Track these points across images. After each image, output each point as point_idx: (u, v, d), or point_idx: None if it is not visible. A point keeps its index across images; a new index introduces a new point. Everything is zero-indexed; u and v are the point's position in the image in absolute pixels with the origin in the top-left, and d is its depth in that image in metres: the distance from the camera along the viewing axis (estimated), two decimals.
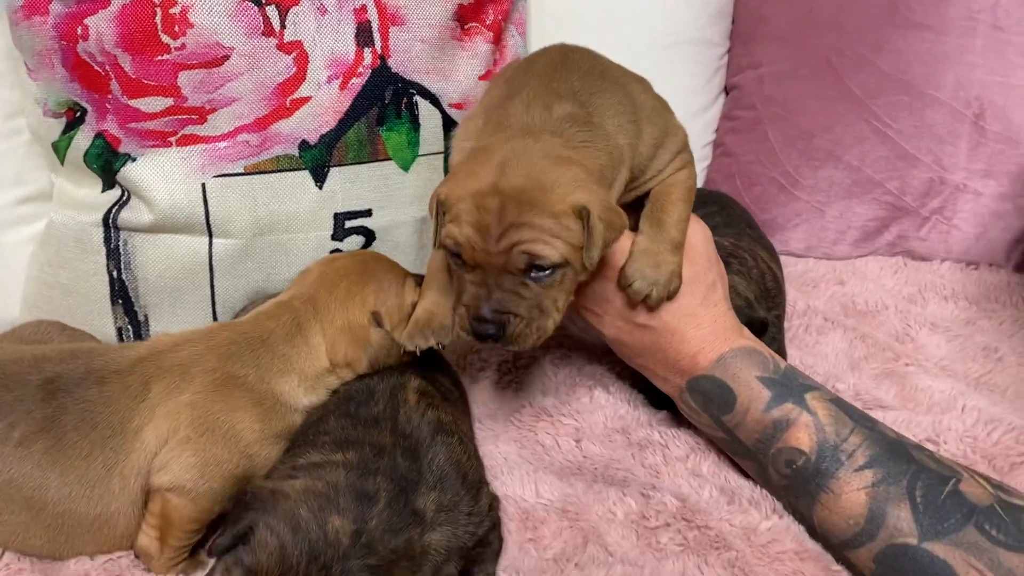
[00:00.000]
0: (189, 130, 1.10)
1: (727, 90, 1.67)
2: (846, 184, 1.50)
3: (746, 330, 1.02)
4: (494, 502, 0.91)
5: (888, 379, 1.20)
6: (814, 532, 0.92)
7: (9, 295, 1.19)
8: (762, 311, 1.14)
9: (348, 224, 1.19)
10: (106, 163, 1.10)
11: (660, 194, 1.02)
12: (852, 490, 0.87)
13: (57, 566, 0.87)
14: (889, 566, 0.84)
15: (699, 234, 1.03)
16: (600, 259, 0.90)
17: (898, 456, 0.88)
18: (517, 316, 0.88)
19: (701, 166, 1.66)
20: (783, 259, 1.49)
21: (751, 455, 0.97)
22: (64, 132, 1.11)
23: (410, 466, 0.84)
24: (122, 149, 1.10)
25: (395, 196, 1.21)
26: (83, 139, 1.10)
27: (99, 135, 1.09)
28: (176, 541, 0.88)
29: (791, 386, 0.96)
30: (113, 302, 1.14)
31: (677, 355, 1.00)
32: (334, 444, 0.86)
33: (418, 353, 0.97)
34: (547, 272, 0.87)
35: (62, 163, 1.14)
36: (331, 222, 1.18)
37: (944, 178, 1.45)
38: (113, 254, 1.13)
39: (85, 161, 1.11)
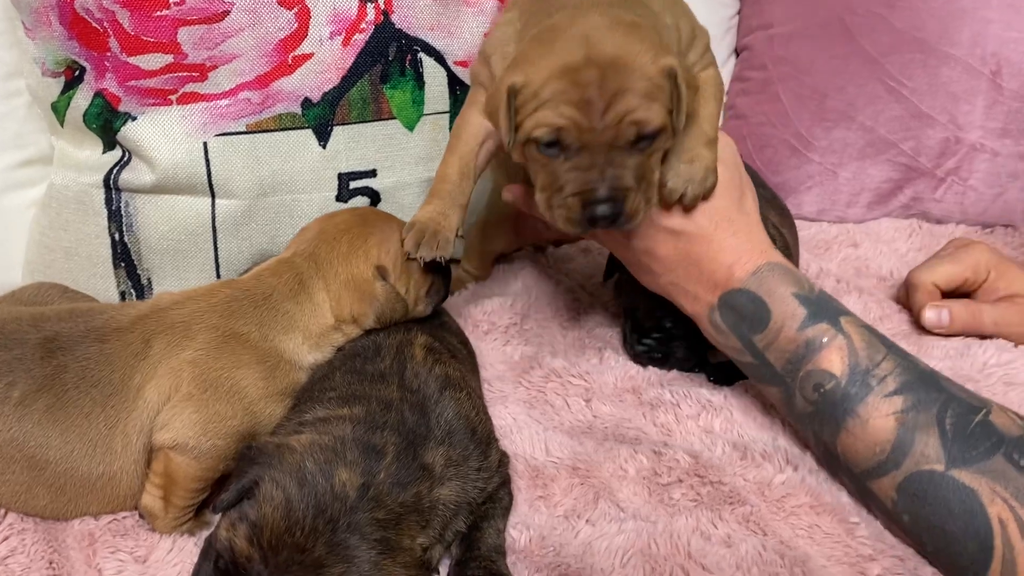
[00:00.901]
0: (190, 88, 1.08)
1: (737, 52, 1.64)
2: (859, 145, 1.47)
3: (781, 251, 0.99)
4: (503, 458, 0.90)
5: (904, 340, 1.17)
6: (835, 462, 0.90)
7: (11, 259, 1.18)
8: None
9: (353, 185, 1.17)
10: (106, 123, 1.08)
11: (693, 86, 0.96)
12: (881, 415, 0.85)
13: (61, 525, 0.86)
14: (912, 493, 0.82)
15: (726, 140, 1.00)
16: None
17: (929, 384, 0.87)
18: (631, 189, 0.85)
19: None
20: (795, 223, 1.47)
21: (778, 379, 0.94)
22: (63, 92, 1.09)
23: (418, 420, 0.83)
24: (122, 108, 1.08)
25: (400, 156, 1.19)
26: (82, 98, 1.08)
27: (98, 94, 1.08)
28: (180, 500, 0.86)
29: (826, 307, 0.93)
30: (115, 265, 1.13)
31: (713, 265, 0.95)
32: (340, 399, 0.85)
33: (421, 262, 0.95)
34: (650, 140, 0.85)
35: (62, 124, 1.12)
36: (335, 182, 1.16)
37: (960, 137, 1.42)
38: (115, 216, 1.11)
39: (85, 121, 1.09)
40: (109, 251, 1.12)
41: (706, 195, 0.95)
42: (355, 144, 1.15)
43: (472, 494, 0.82)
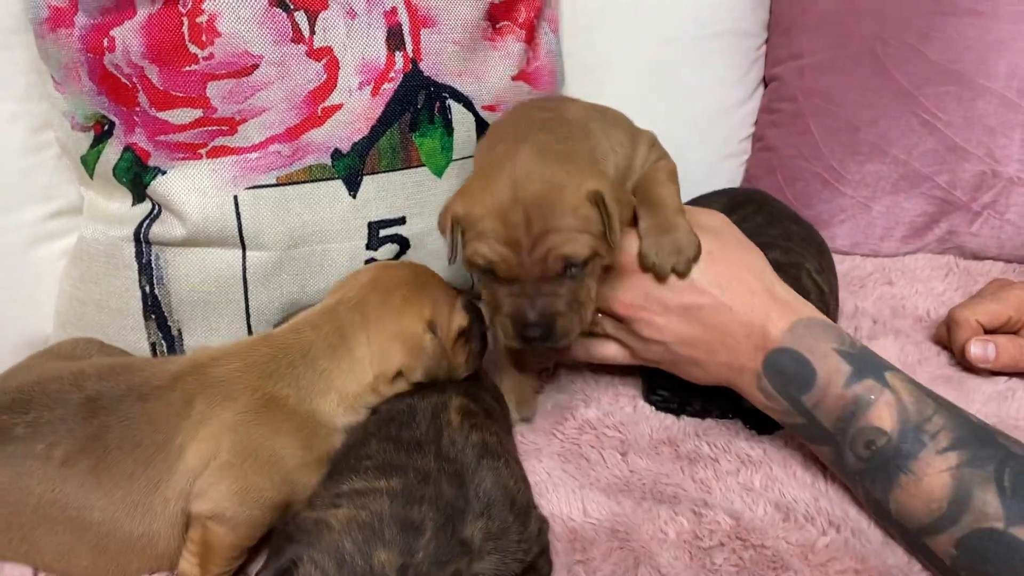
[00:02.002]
0: (219, 141, 1.07)
1: (766, 82, 1.62)
2: (893, 178, 1.44)
3: (808, 303, 0.99)
4: (543, 526, 0.88)
5: (945, 383, 1.16)
6: (887, 518, 0.89)
7: (42, 311, 1.18)
8: None
9: (383, 233, 1.16)
10: (135, 176, 1.08)
11: (645, 179, 1.04)
12: (936, 472, 0.84)
13: None
14: (972, 550, 0.81)
15: (716, 218, 1.03)
16: (617, 263, 0.98)
17: (984, 440, 0.85)
18: (560, 314, 0.91)
19: (739, 160, 1.62)
20: None
21: (829, 438, 0.93)
22: (92, 146, 1.09)
23: (456, 493, 0.81)
24: (151, 162, 1.07)
25: (429, 203, 1.18)
26: (112, 152, 1.08)
27: (128, 148, 1.07)
28: (217, 568, 0.86)
29: (870, 362, 0.92)
30: (146, 317, 1.12)
31: (745, 330, 0.95)
32: (377, 469, 0.84)
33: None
34: (580, 267, 0.91)
35: (91, 177, 1.12)
36: (365, 231, 1.15)
37: (996, 171, 1.39)
38: (145, 269, 1.11)
39: (115, 175, 1.09)
40: (140, 304, 1.12)
41: (695, 257, 0.97)
42: (384, 193, 1.15)
43: (512, 567, 0.80)
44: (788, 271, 1.10)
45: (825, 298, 1.15)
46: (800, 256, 1.17)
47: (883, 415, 0.88)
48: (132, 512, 0.84)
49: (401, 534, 0.74)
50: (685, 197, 1.40)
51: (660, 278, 0.98)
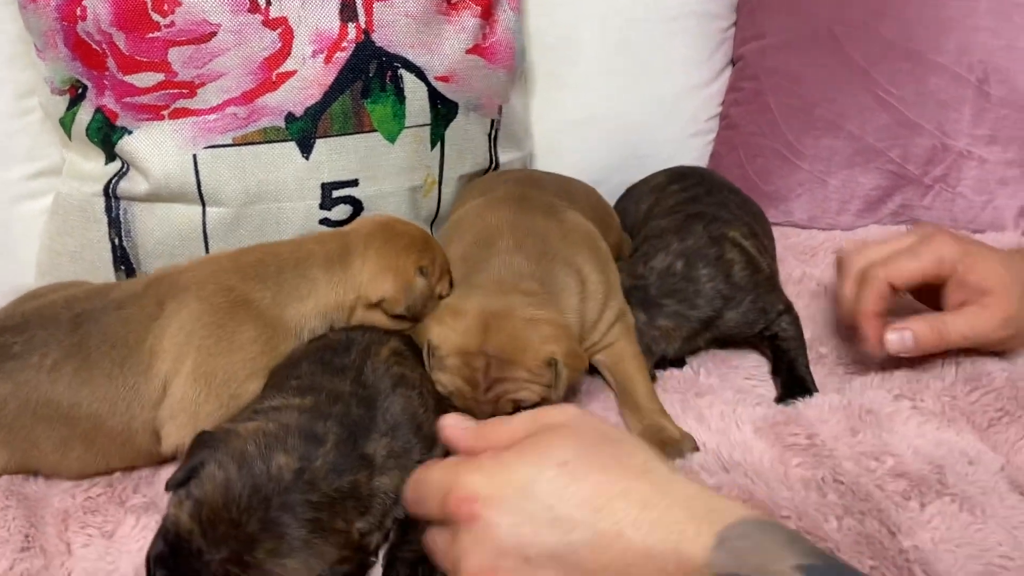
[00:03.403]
0: (180, 104, 1.16)
1: (733, 62, 1.67)
2: (848, 153, 1.48)
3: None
4: (448, 454, 0.94)
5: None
6: None
7: (24, 263, 1.28)
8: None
9: (335, 194, 1.23)
10: (105, 136, 1.17)
11: (620, 376, 1.12)
12: None
13: (41, 504, 0.94)
14: None
15: (566, 412, 0.69)
16: None
17: None
18: None
19: (707, 139, 1.67)
20: (785, 230, 1.49)
21: None
22: (68, 108, 1.19)
23: (364, 413, 0.88)
24: (119, 123, 1.17)
25: (381, 167, 1.25)
26: (85, 114, 1.18)
27: (99, 110, 1.17)
28: None
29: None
30: (116, 268, 1.21)
31: (652, 562, 0.58)
32: (298, 389, 0.91)
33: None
34: (527, 407, 0.99)
35: (70, 138, 1.22)
36: (319, 191, 1.22)
37: (947, 144, 1.43)
38: (114, 223, 1.20)
39: (88, 135, 1.18)
40: (110, 255, 1.21)
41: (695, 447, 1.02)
42: (337, 155, 1.22)
43: None
44: (708, 255, 1.18)
45: (756, 263, 1.20)
46: (725, 225, 1.22)
47: None
48: (112, 409, 0.93)
49: (303, 443, 0.81)
50: (649, 174, 1.48)
51: None
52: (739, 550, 0.57)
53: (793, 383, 1.13)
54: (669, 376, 1.17)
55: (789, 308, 1.20)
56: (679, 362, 1.19)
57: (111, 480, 0.97)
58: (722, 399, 1.10)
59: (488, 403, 0.99)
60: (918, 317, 1.06)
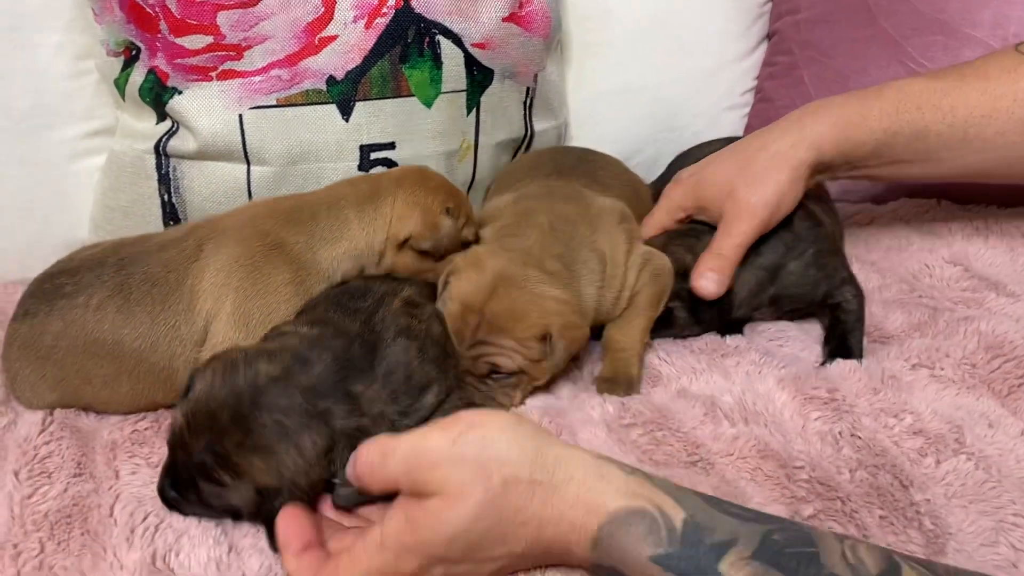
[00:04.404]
0: (227, 65, 1.21)
1: (769, 36, 1.68)
2: None
3: (616, 474, 0.73)
4: (445, 404, 0.97)
5: (900, 308, 1.20)
6: None
7: (79, 218, 1.35)
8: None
9: (373, 156, 1.28)
10: (156, 96, 1.23)
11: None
12: None
13: (92, 436, 0.99)
14: None
15: (444, 437, 0.73)
16: None
17: None
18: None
19: (741, 112, 1.68)
20: None
21: None
22: (123, 69, 1.25)
23: (362, 355, 0.91)
24: (170, 83, 1.22)
25: (418, 130, 1.29)
26: (138, 75, 1.24)
27: (151, 71, 1.22)
28: None
29: (698, 558, 0.68)
30: (165, 223, 1.27)
31: (554, 557, 0.74)
32: (308, 322, 0.95)
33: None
34: (504, 376, 1.02)
35: (123, 98, 1.28)
36: (357, 153, 1.27)
37: None
38: (164, 179, 1.26)
39: (140, 95, 1.24)
40: (159, 210, 1.27)
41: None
42: (375, 118, 1.27)
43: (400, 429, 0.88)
44: None
45: (816, 216, 1.20)
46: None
47: None
48: (154, 347, 0.98)
49: (291, 360, 0.85)
50: (685, 146, 1.50)
51: None
52: (608, 547, 0.69)
53: (841, 352, 1.12)
54: (695, 340, 1.19)
55: (853, 279, 1.20)
56: (739, 326, 1.19)
57: (157, 416, 1.03)
58: (748, 359, 1.12)
59: (468, 359, 1.01)
60: (703, 257, 1.12)
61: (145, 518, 0.85)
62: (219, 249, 1.01)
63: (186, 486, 0.83)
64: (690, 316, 1.17)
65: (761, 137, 1.17)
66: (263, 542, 0.82)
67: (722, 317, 1.17)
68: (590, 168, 1.31)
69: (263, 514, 0.81)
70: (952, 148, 1.14)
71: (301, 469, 0.81)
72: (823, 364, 1.10)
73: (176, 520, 0.84)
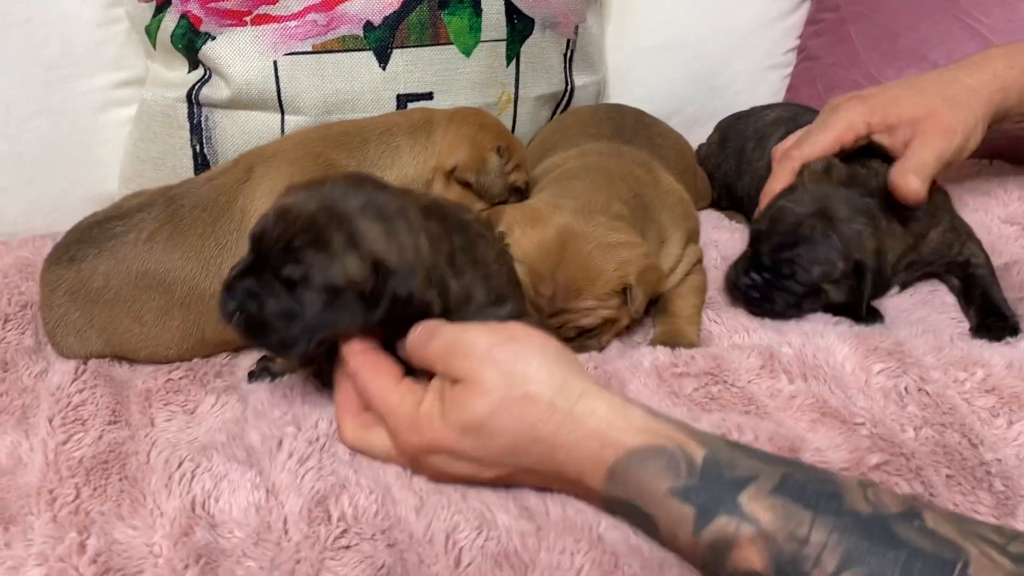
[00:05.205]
0: (262, 10, 1.18)
1: None
2: None
3: (640, 415, 0.73)
4: (521, 317, 0.92)
5: None
6: None
7: (109, 171, 1.32)
8: None
9: (410, 106, 1.24)
10: (189, 42, 1.19)
11: (672, 295, 1.10)
12: None
13: (127, 385, 0.97)
14: None
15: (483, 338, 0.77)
16: None
17: (880, 542, 0.65)
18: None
19: (783, 72, 1.64)
20: None
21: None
22: (154, 15, 1.21)
23: (462, 248, 0.86)
24: (203, 28, 1.19)
25: (456, 80, 1.25)
26: (170, 20, 1.20)
27: (183, 16, 1.19)
28: None
29: (717, 490, 0.68)
30: (196, 174, 1.24)
31: (567, 485, 0.76)
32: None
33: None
34: (591, 332, 1.01)
35: (154, 46, 1.24)
36: (394, 103, 1.23)
37: None
38: (196, 129, 1.23)
39: (172, 41, 1.21)
40: (191, 161, 1.24)
41: None
42: (413, 67, 1.23)
43: None
44: None
45: (941, 186, 1.17)
46: None
47: (749, 556, 0.67)
48: (206, 269, 0.97)
49: (392, 205, 0.81)
50: (724, 106, 1.46)
51: None
52: (625, 482, 0.70)
53: (989, 311, 1.08)
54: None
55: (974, 235, 1.17)
56: (878, 315, 1.11)
57: (192, 366, 1.00)
58: (808, 319, 1.09)
59: (551, 327, 0.98)
60: (900, 164, 1.07)
61: (181, 464, 0.82)
62: (270, 171, 0.99)
63: (278, 264, 0.78)
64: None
65: (951, 71, 1.13)
66: (301, 481, 0.79)
67: (877, 284, 1.09)
68: (649, 134, 1.27)
69: (373, 293, 0.78)
70: None
71: (418, 259, 0.79)
72: (976, 333, 1.06)
73: (215, 465, 0.81)
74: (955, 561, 0.63)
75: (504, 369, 0.73)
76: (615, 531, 0.74)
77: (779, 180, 1.12)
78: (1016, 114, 1.14)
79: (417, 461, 0.78)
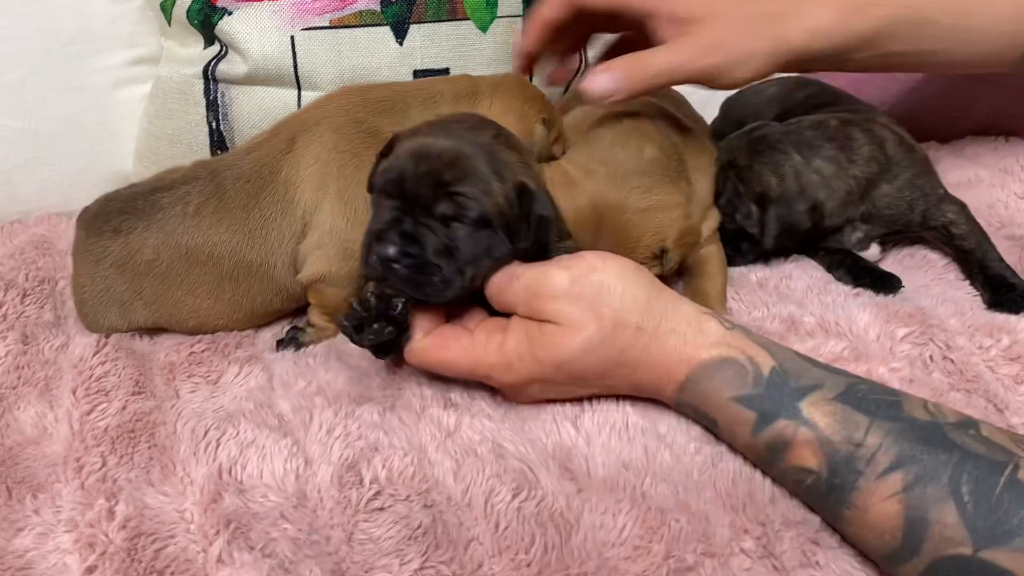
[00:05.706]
0: None
1: None
2: None
3: (716, 329, 0.80)
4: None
5: None
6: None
7: (124, 149, 1.31)
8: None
9: None
10: (205, 17, 1.19)
11: (699, 271, 1.09)
12: (880, 500, 0.69)
13: (149, 358, 0.97)
14: None
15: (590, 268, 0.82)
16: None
17: (934, 445, 0.69)
18: None
19: None
20: None
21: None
22: None
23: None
24: (220, 3, 1.18)
25: (473, 56, 1.25)
26: None
27: None
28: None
29: (780, 397, 0.75)
30: (212, 151, 1.23)
31: (645, 391, 0.83)
32: None
33: None
34: None
35: (169, 23, 1.23)
36: (410, 79, 1.22)
37: None
38: (212, 105, 1.22)
39: (188, 17, 1.20)
40: (207, 139, 1.23)
41: None
42: (430, 43, 1.22)
43: None
44: (861, 124, 1.16)
45: (909, 143, 1.18)
46: (870, 113, 1.22)
47: (804, 455, 0.73)
48: (250, 241, 0.97)
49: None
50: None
51: None
52: (693, 391, 0.78)
53: (996, 284, 1.07)
54: (766, 279, 1.14)
55: (951, 197, 1.16)
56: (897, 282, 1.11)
57: (213, 338, 1.00)
58: (828, 292, 1.09)
59: None
60: (620, 57, 0.97)
61: (207, 432, 0.82)
62: (313, 140, 0.98)
63: (429, 202, 0.80)
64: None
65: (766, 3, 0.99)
66: (330, 451, 0.79)
67: (814, 226, 1.13)
68: (675, 104, 1.26)
69: (517, 220, 0.82)
70: (945, 39, 1.05)
71: (504, 206, 0.82)
72: (992, 307, 1.04)
73: (241, 432, 0.81)
74: (1006, 463, 0.66)
75: (591, 303, 0.78)
76: (663, 485, 0.75)
77: (537, 18, 1.08)
78: (831, 58, 1.02)
79: (514, 393, 0.84)
